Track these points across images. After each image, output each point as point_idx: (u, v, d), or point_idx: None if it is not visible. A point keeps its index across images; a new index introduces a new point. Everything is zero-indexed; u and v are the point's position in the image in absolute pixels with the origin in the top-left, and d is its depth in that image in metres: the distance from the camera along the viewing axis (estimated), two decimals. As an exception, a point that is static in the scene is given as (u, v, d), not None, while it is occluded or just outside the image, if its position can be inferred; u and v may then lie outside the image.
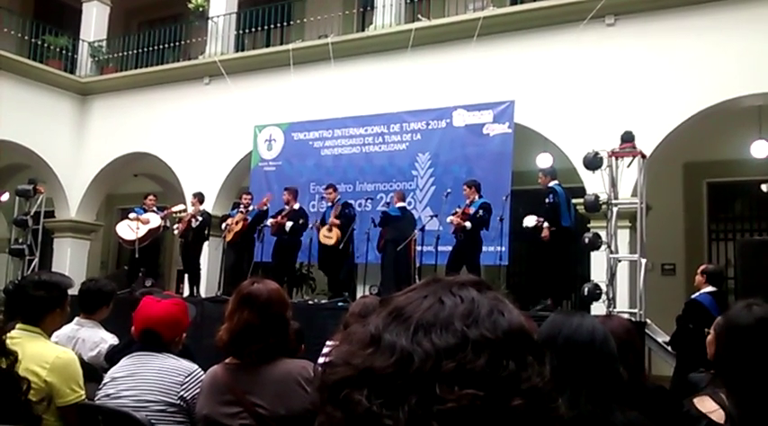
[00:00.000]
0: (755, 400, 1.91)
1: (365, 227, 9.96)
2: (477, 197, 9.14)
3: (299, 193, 10.61)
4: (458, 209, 9.16)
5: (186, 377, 2.78)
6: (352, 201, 10.40)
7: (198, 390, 2.73)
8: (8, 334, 2.05)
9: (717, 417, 1.93)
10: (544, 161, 9.90)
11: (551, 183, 8.72)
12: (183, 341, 3.06)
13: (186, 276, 11.27)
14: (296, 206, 10.34)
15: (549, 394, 0.72)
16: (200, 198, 11.23)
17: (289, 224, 10.13)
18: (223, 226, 10.67)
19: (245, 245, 10.47)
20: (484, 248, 9.20)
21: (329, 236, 9.71)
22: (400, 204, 9.87)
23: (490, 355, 0.69)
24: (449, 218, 9.13)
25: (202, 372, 2.79)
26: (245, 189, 11.85)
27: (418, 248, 9.54)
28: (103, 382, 2.91)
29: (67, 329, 4.10)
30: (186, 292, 10.91)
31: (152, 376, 2.79)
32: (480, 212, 8.95)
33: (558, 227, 8.43)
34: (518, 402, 0.69)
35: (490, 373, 0.69)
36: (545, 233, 8.51)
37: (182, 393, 2.74)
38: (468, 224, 8.87)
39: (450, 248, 9.30)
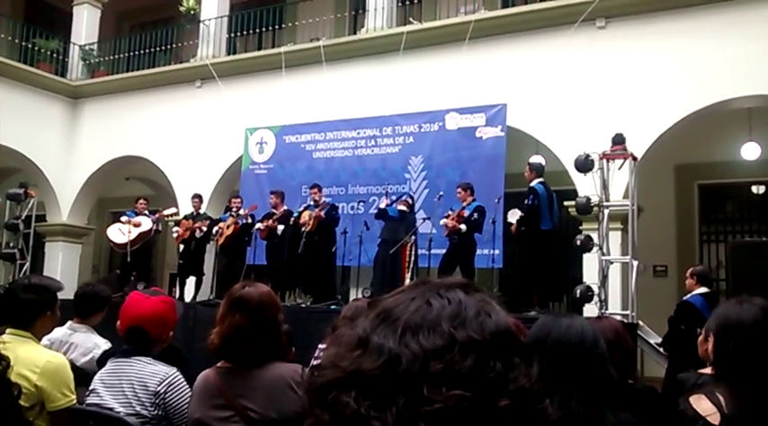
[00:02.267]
0: (760, 398, 1.87)
1: (357, 230, 9.94)
2: (471, 199, 9.15)
3: (288, 196, 10.61)
4: (450, 212, 9.16)
5: (159, 384, 2.73)
6: (344, 204, 10.39)
7: (175, 395, 2.71)
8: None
9: (713, 420, 1.89)
10: (535, 158, 9.87)
11: (535, 182, 8.65)
12: (170, 339, 3.01)
13: (194, 280, 11.08)
14: (283, 208, 10.35)
15: (537, 395, 0.73)
16: (201, 198, 11.29)
17: (280, 227, 10.13)
18: (215, 230, 10.65)
19: (237, 249, 10.45)
20: (477, 251, 9.20)
21: (307, 223, 9.66)
22: (402, 207, 9.80)
23: (477, 356, 0.70)
24: (442, 221, 9.11)
25: (179, 375, 2.77)
26: (237, 192, 11.84)
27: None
28: (87, 392, 2.87)
29: (60, 333, 4.08)
30: (189, 297, 10.75)
31: (127, 388, 2.75)
32: (475, 215, 8.95)
33: (536, 230, 8.43)
34: (505, 402, 0.69)
35: (477, 374, 0.69)
36: (513, 227, 8.61)
37: (157, 401, 2.72)
38: (463, 226, 8.86)
39: (442, 251, 9.29)
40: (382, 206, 9.72)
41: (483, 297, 0.77)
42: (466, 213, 9.00)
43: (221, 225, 10.58)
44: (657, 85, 9.26)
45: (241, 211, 10.52)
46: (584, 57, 9.80)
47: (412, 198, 9.97)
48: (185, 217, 11.19)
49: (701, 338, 2.24)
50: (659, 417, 2.55)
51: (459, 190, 9.28)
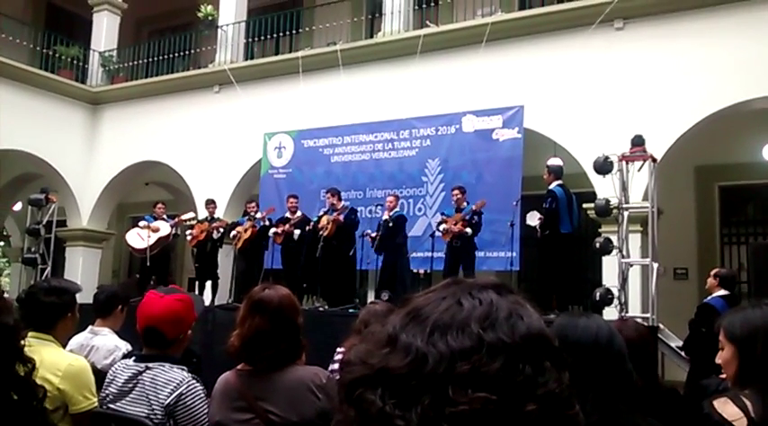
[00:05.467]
0: None
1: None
2: (465, 203, 9.18)
3: (307, 201, 10.65)
4: (445, 216, 9.19)
5: (169, 396, 2.65)
6: (362, 208, 10.39)
7: (184, 407, 2.64)
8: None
9: (739, 425, 1.84)
10: (553, 160, 9.84)
11: (553, 184, 8.60)
12: (189, 338, 2.91)
13: (210, 284, 11.18)
14: (298, 213, 10.39)
15: (567, 401, 0.72)
16: (215, 204, 11.36)
17: (296, 232, 10.15)
18: (232, 234, 10.69)
19: (255, 252, 10.49)
20: (494, 254, 9.18)
21: (325, 227, 9.68)
22: (396, 210, 9.87)
23: (506, 359, 0.69)
24: (442, 226, 9.15)
25: (191, 384, 2.68)
26: (255, 197, 11.88)
27: (427, 254, 9.57)
28: (103, 395, 2.83)
29: (81, 337, 4.12)
30: (207, 301, 10.78)
31: (143, 399, 2.70)
32: (475, 217, 9.01)
33: (555, 234, 8.39)
34: (532, 407, 0.68)
35: (504, 377, 0.68)
36: (539, 232, 8.60)
37: (168, 412, 2.64)
38: (468, 230, 8.91)
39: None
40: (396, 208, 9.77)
41: (516, 298, 0.76)
42: (467, 216, 9.03)
43: (239, 229, 10.62)
44: (677, 86, 9.18)
45: (258, 214, 10.55)
46: (602, 58, 9.74)
47: (395, 196, 10.07)
48: (200, 222, 11.25)
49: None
50: (681, 420, 2.51)
51: (457, 192, 9.33)
